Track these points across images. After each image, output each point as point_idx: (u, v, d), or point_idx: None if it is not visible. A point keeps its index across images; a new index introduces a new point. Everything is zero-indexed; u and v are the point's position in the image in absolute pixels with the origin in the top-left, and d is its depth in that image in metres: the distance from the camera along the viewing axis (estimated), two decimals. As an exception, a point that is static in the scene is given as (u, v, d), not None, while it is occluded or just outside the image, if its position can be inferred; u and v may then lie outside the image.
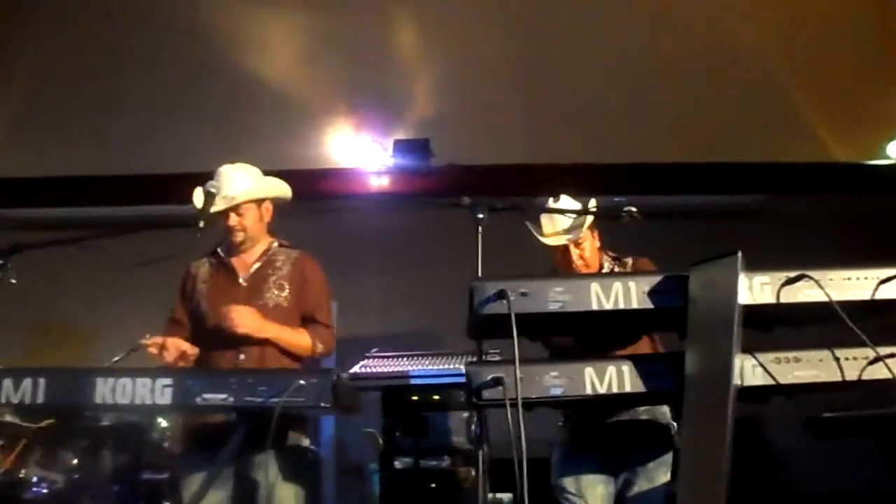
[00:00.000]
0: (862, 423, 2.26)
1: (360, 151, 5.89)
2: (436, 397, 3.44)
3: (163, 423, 3.37)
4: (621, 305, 1.71)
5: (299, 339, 2.59)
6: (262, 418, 1.91)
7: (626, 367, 1.76)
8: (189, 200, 2.61)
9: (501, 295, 1.67)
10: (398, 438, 3.41)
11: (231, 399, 1.88)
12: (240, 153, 2.95)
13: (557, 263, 2.53)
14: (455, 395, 3.43)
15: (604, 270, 2.55)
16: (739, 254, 1.60)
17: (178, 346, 2.41)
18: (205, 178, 2.61)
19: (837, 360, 1.80)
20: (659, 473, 2.27)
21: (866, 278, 1.77)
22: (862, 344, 1.79)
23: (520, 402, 1.62)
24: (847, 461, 4.11)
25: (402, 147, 5.87)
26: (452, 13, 5.82)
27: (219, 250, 2.70)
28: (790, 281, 1.73)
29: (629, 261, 2.58)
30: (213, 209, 2.45)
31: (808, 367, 1.79)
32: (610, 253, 2.64)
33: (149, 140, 5.50)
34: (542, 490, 2.50)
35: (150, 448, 3.36)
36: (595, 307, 1.70)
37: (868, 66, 5.66)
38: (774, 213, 5.83)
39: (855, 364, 1.81)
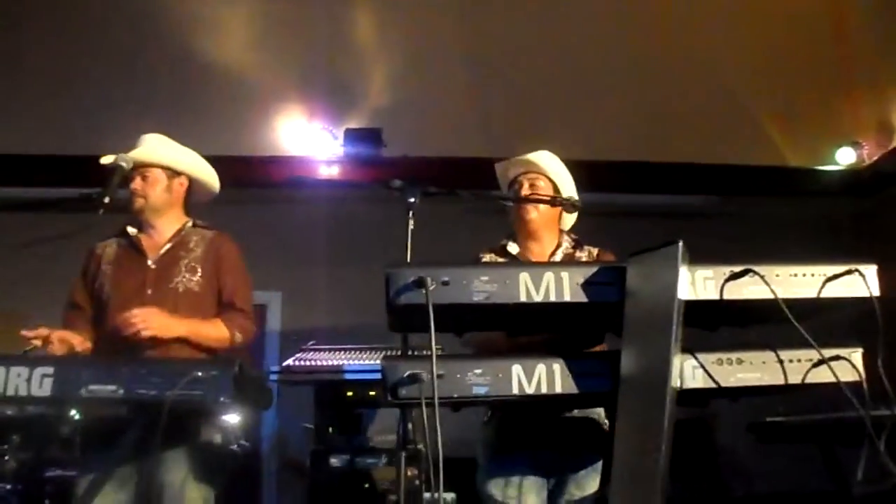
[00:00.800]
0: (804, 428, 2.18)
1: (311, 139, 5.74)
2: (371, 393, 3.31)
3: (75, 415, 3.11)
4: (552, 298, 1.56)
5: (215, 332, 2.39)
6: (165, 413, 1.71)
7: (558, 366, 1.61)
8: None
9: (420, 283, 1.51)
10: (330, 436, 3.26)
11: (121, 391, 1.68)
12: (186, 137, 2.77)
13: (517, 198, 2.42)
14: (389, 390, 3.30)
15: (560, 249, 2.39)
16: (681, 244, 1.46)
17: (64, 339, 2.19)
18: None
19: (781, 362, 1.69)
20: (589, 481, 2.13)
21: (813, 275, 1.67)
22: (806, 345, 1.69)
23: (436, 401, 1.47)
24: (791, 462, 4.09)
25: (353, 136, 5.74)
26: (408, 2, 5.69)
27: (128, 228, 2.50)
28: (735, 276, 1.61)
29: (594, 250, 2.43)
30: (106, 160, 2.26)
31: (752, 369, 1.68)
32: (572, 235, 2.50)
33: (89, 121, 5.25)
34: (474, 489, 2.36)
35: (58, 442, 3.11)
36: (524, 299, 1.55)
37: (820, 74, 5.69)
38: (727, 215, 5.83)
39: (799, 366, 1.70)
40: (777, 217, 5.76)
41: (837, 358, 1.65)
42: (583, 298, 1.58)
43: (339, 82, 5.90)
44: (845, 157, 5.83)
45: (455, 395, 1.57)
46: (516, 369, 1.60)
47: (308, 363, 3.32)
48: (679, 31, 5.57)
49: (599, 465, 2.10)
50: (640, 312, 1.56)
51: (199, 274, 2.43)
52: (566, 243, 2.43)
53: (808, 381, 1.69)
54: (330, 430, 3.25)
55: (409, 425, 3.31)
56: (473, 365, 1.59)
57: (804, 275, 1.66)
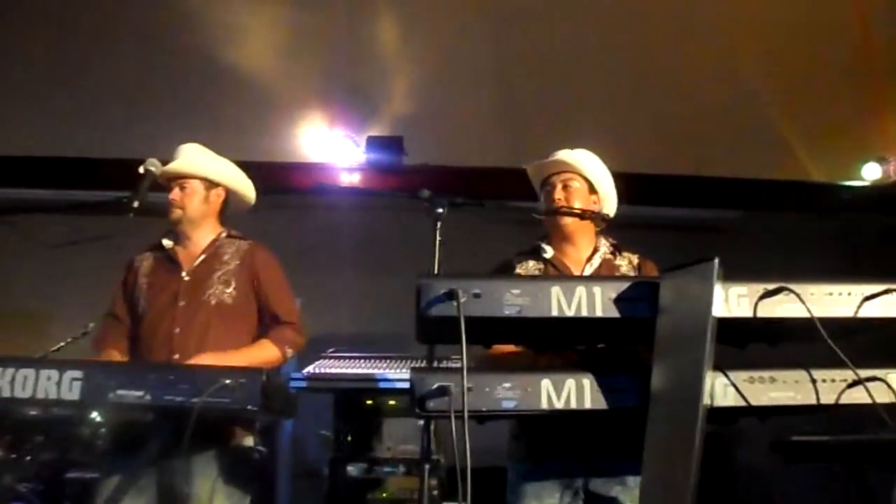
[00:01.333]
0: (830, 448, 2.14)
1: (333, 146, 5.75)
2: (391, 403, 3.30)
3: (96, 417, 3.12)
4: (584, 313, 1.54)
5: (265, 355, 2.36)
6: (187, 418, 1.71)
7: (587, 381, 1.60)
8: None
9: (451, 295, 1.50)
10: (349, 444, 3.26)
11: (148, 397, 1.68)
12: (208, 142, 2.79)
13: (547, 201, 2.35)
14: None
15: (598, 254, 2.33)
16: (716, 261, 1.44)
17: None
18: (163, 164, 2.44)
19: (814, 381, 1.66)
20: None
21: (850, 294, 1.64)
22: (840, 365, 1.66)
23: (466, 415, 1.45)
24: (816, 480, 4.03)
25: (375, 144, 5.75)
26: (432, 11, 5.70)
27: (164, 241, 2.50)
28: (769, 294, 1.59)
29: (633, 257, 2.36)
30: (147, 168, 2.26)
31: (784, 388, 1.65)
32: (611, 240, 2.42)
33: (114, 125, 5.31)
34: (497, 499, 2.32)
35: (80, 444, 3.12)
36: (555, 313, 1.53)
37: (846, 88, 5.65)
38: (749, 230, 5.78)
39: (832, 386, 1.67)
40: (800, 232, 5.70)
41: (873, 379, 1.62)
42: (615, 314, 1.56)
43: (361, 90, 5.92)
44: (871, 173, 5.77)
45: (484, 409, 1.55)
46: (546, 384, 1.58)
47: (329, 371, 3.31)
48: (705, 44, 5.55)
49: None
50: (672, 329, 1.54)
51: (233, 286, 2.41)
52: (604, 248, 2.36)
53: (841, 401, 1.66)
54: (349, 438, 3.23)
55: (429, 434, 3.32)
56: (503, 378, 1.58)
57: (840, 294, 1.63)
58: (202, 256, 2.46)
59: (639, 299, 1.57)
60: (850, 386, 1.66)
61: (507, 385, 1.57)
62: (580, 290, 1.55)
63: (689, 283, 1.51)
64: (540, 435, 2.11)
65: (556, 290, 1.55)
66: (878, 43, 5.56)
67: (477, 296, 1.52)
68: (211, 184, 2.51)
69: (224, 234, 2.53)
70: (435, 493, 3.14)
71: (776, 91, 5.54)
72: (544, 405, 1.58)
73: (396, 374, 3.23)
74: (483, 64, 5.82)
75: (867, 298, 1.64)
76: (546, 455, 2.10)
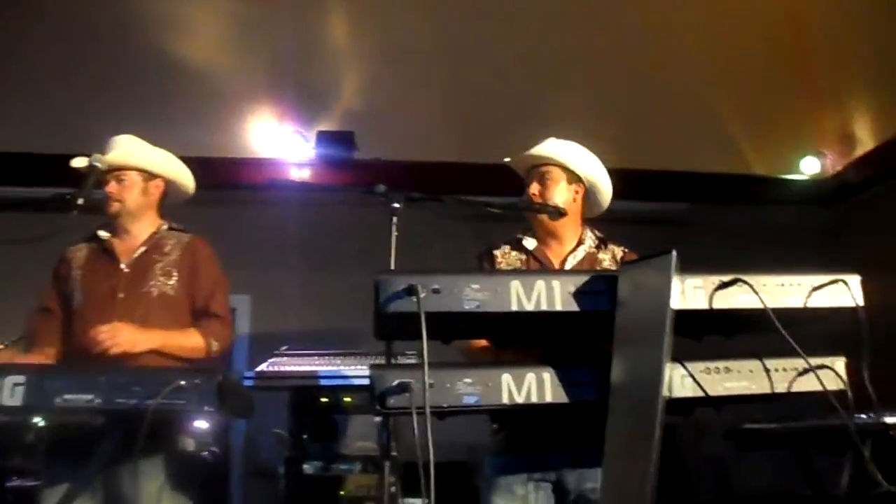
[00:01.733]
0: (780, 435, 2.20)
1: (282, 142, 5.67)
2: (347, 399, 3.27)
3: (39, 422, 2.99)
4: (543, 307, 1.55)
5: (190, 342, 2.34)
6: (140, 422, 1.66)
7: (548, 375, 1.60)
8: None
9: (411, 291, 1.48)
10: (305, 442, 3.22)
11: (98, 400, 1.62)
12: (153, 138, 2.71)
13: (529, 194, 2.34)
14: (368, 398, 3.26)
15: (582, 247, 2.33)
16: (674, 254, 1.46)
17: None
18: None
19: (767, 371, 1.70)
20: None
21: (799, 285, 1.68)
22: (790, 354, 1.70)
23: (428, 411, 1.44)
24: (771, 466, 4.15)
25: (325, 139, 5.69)
26: (383, 5, 5.66)
27: (100, 233, 2.43)
28: (724, 285, 1.62)
29: (618, 250, 2.37)
30: (78, 163, 2.19)
31: (739, 377, 1.69)
32: (597, 232, 2.42)
33: (52, 120, 5.13)
34: (459, 494, 2.31)
35: (21, 451, 2.99)
36: (515, 308, 1.53)
37: (784, 84, 5.81)
38: (696, 222, 5.91)
39: (785, 375, 1.71)
40: (744, 225, 5.85)
41: (822, 367, 1.66)
42: (574, 308, 1.57)
43: (311, 84, 5.84)
44: (810, 167, 5.95)
45: (445, 405, 1.54)
46: (506, 378, 1.58)
47: (282, 368, 3.25)
48: (651, 39, 5.64)
49: None
50: (631, 322, 1.55)
51: (175, 278, 2.38)
52: (589, 241, 2.36)
53: (793, 389, 1.70)
54: (305, 436, 3.19)
55: (388, 436, 3.30)
56: (463, 374, 1.57)
57: (791, 284, 1.67)
58: (142, 248, 2.41)
59: (598, 293, 1.58)
60: (800, 374, 1.71)
61: (467, 380, 1.56)
62: (539, 285, 1.56)
63: (647, 275, 1.53)
64: (516, 429, 2.12)
65: (515, 285, 1.55)
66: (813, 39, 5.75)
67: (436, 291, 1.51)
68: (149, 175, 2.46)
69: (165, 227, 2.49)
70: (393, 489, 3.12)
71: (720, 87, 5.67)
72: (505, 400, 1.58)
73: (352, 370, 3.20)
74: (434, 58, 5.81)
75: (815, 289, 1.68)
76: (520, 448, 2.11)
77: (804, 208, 6.02)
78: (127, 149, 2.41)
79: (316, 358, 3.49)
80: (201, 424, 2.19)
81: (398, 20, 5.73)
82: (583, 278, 1.58)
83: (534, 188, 2.32)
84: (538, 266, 2.28)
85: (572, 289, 1.57)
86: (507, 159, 2.43)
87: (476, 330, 1.77)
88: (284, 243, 5.67)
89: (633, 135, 5.63)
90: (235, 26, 5.58)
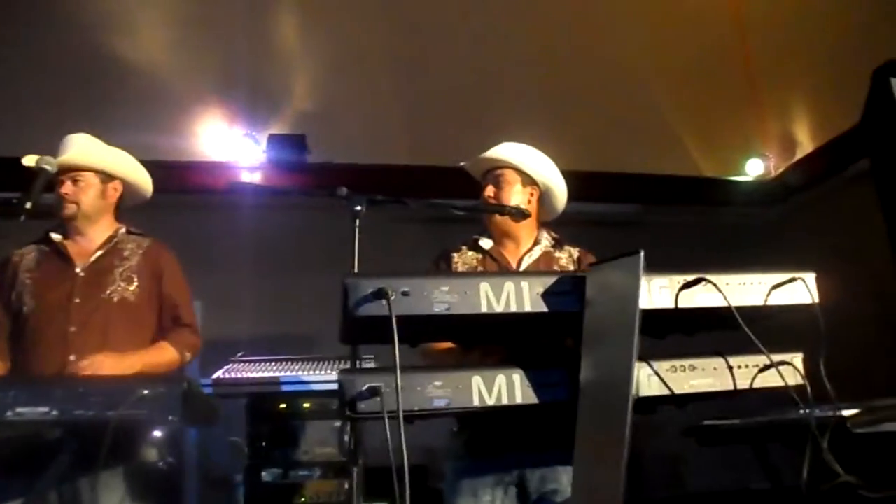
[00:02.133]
0: (738, 431, 2.25)
1: (233, 145, 5.58)
2: (306, 405, 3.23)
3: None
4: (513, 308, 1.55)
5: (166, 357, 2.27)
6: (99, 434, 1.60)
7: (517, 377, 1.60)
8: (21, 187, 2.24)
9: (380, 294, 1.46)
10: (265, 449, 3.16)
11: (55, 412, 1.55)
12: (100, 140, 2.62)
13: (485, 196, 2.35)
14: (327, 403, 3.23)
15: (538, 247, 2.36)
16: (641, 255, 1.48)
17: None
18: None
19: (731, 368, 1.74)
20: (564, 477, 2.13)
21: (760, 283, 1.72)
22: (750, 351, 1.74)
23: (401, 415, 1.43)
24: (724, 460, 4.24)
25: (277, 142, 5.62)
26: (334, 6, 5.63)
27: (52, 234, 2.32)
28: (688, 284, 1.64)
29: (574, 250, 2.40)
30: (28, 161, 2.09)
31: (703, 375, 1.72)
32: (553, 234, 2.45)
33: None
34: (418, 498, 2.29)
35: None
36: (485, 309, 1.53)
37: (729, 87, 5.99)
38: (646, 223, 6.02)
39: (746, 372, 1.75)
40: (693, 225, 5.99)
41: (783, 363, 1.70)
42: (543, 308, 1.57)
43: (261, 87, 5.78)
44: (754, 169, 6.12)
45: (416, 408, 1.53)
46: (476, 381, 1.58)
47: (240, 375, 3.19)
48: (600, 44, 5.75)
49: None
50: (599, 322, 1.56)
51: (136, 284, 2.30)
52: (545, 241, 2.39)
53: (755, 385, 1.74)
54: (263, 443, 3.14)
55: (346, 438, 3.26)
56: (433, 377, 1.56)
57: (752, 283, 1.71)
58: (99, 252, 2.32)
59: (566, 293, 1.59)
60: (761, 370, 1.75)
61: (437, 383, 1.55)
62: (508, 286, 1.56)
63: (614, 276, 1.54)
64: (477, 431, 2.12)
65: (484, 287, 1.55)
66: (755, 43, 5.93)
67: (406, 294, 1.49)
68: (107, 177, 2.38)
69: (122, 230, 2.41)
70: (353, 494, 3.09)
71: (668, 90, 5.80)
72: (476, 402, 1.58)
73: (312, 376, 3.17)
74: (386, 60, 5.80)
75: (775, 287, 1.72)
76: (483, 452, 2.11)
77: (749, 209, 6.19)
78: (84, 148, 2.31)
79: (273, 363, 3.44)
80: (158, 434, 2.14)
81: (350, 23, 5.71)
82: (551, 279, 1.59)
83: (489, 191, 2.35)
84: (495, 265, 2.31)
85: (541, 290, 1.58)
86: (462, 163, 2.44)
87: (445, 332, 1.76)
88: (235, 248, 5.57)
89: (584, 138, 5.71)
90: (182, 26, 5.48)
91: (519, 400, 1.59)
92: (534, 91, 5.83)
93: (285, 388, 3.14)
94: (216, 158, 5.62)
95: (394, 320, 1.41)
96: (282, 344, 4.13)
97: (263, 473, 3.12)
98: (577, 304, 1.59)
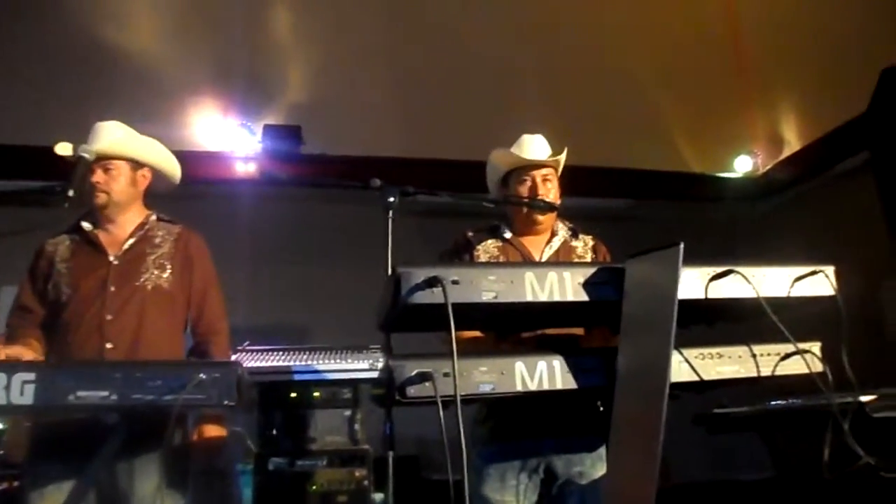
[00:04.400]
0: (748, 418, 2.34)
1: (228, 135, 5.58)
2: (316, 394, 3.27)
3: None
4: (556, 297, 1.61)
5: None
6: (148, 418, 1.63)
7: (557, 363, 1.67)
8: (32, 176, 2.26)
9: (431, 283, 1.52)
10: (276, 438, 3.20)
11: (114, 396, 1.57)
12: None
13: (524, 191, 2.42)
14: (338, 392, 3.27)
15: (556, 238, 2.44)
16: (681, 246, 1.55)
17: (14, 358, 1.98)
18: (49, 153, 2.26)
19: (755, 355, 1.82)
20: (590, 464, 2.21)
21: (783, 276, 1.80)
22: (770, 340, 1.83)
23: (458, 398, 1.49)
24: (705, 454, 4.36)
25: (272, 133, 5.62)
26: (327, -2, 5.66)
27: (83, 224, 2.33)
28: (718, 276, 1.72)
29: (588, 239, 2.50)
30: (62, 150, 2.10)
31: (730, 362, 1.80)
32: (568, 223, 2.54)
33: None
34: (411, 488, 2.35)
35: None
36: (529, 298, 1.59)
37: (719, 86, 6.11)
38: (639, 218, 6.12)
39: (769, 360, 1.83)
40: (682, 220, 6.10)
41: (805, 351, 1.79)
42: (584, 297, 1.64)
43: (256, 77, 5.78)
44: (743, 166, 6.26)
45: (464, 393, 1.59)
46: (519, 366, 1.64)
47: (250, 364, 3.22)
48: (594, 42, 5.83)
49: (602, 449, 2.18)
50: (637, 311, 1.63)
51: (169, 271, 2.31)
52: (562, 231, 2.47)
53: (777, 372, 1.82)
54: (274, 432, 3.17)
55: (357, 426, 3.31)
56: (479, 363, 1.62)
57: (775, 275, 1.79)
58: (131, 240, 2.33)
59: (605, 283, 1.66)
60: (783, 358, 1.83)
61: (483, 369, 1.62)
62: (552, 276, 1.62)
63: (653, 267, 1.61)
64: (503, 417, 2.18)
65: (529, 276, 1.61)
66: (744, 43, 6.05)
67: (455, 282, 1.55)
68: (137, 164, 2.38)
69: (153, 217, 2.42)
70: (366, 483, 3.15)
71: (660, 89, 5.90)
72: (519, 387, 1.64)
73: (324, 365, 3.20)
74: (381, 52, 5.82)
75: (797, 279, 1.81)
76: (509, 437, 2.18)
77: (737, 204, 6.32)
78: (117, 137, 2.31)
79: (280, 353, 3.47)
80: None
81: (346, 13, 5.73)
82: (591, 269, 1.66)
83: (542, 189, 2.44)
84: (517, 254, 2.38)
85: (581, 279, 1.64)
86: (498, 152, 2.47)
87: (488, 320, 1.82)
88: (230, 238, 5.55)
89: (578, 133, 5.78)
90: (179, 15, 5.46)
91: (559, 385, 1.66)
92: (527, 85, 5.90)
93: (299, 377, 3.18)
94: (210, 148, 5.60)
95: (450, 308, 1.46)
96: (276, 334, 4.15)
97: (275, 461, 3.15)
98: (615, 293, 1.66)
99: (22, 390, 1.55)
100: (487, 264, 2.14)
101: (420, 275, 1.53)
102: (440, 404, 1.50)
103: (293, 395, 3.24)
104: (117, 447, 1.82)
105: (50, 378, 1.57)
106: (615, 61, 5.87)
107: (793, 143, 6.04)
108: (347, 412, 3.25)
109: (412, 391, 1.56)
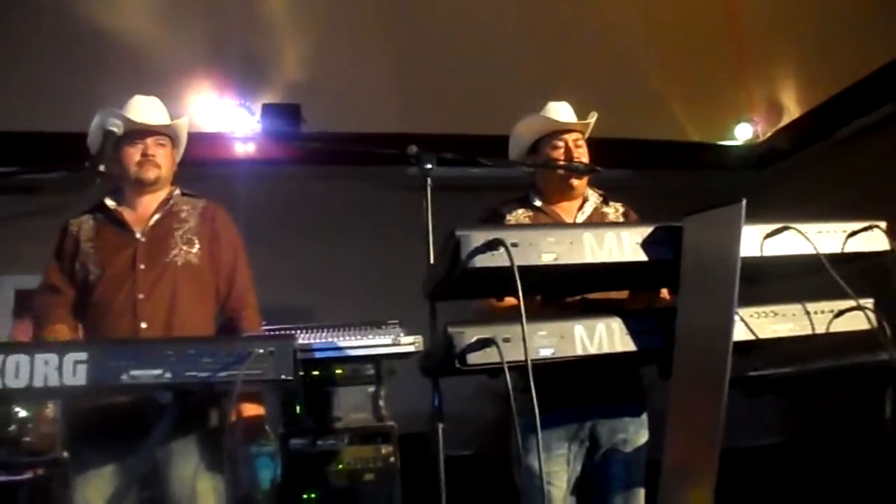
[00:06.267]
0: (785, 380, 2.33)
1: (225, 115, 5.48)
2: (338, 371, 3.24)
3: (20, 412, 2.79)
4: (615, 258, 1.58)
5: None
6: (196, 397, 1.59)
7: (616, 325, 1.64)
8: (14, 161, 2.19)
9: (492, 245, 1.48)
10: (298, 416, 3.17)
11: (168, 375, 1.51)
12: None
13: (558, 156, 2.38)
14: (360, 368, 3.24)
15: (588, 203, 2.43)
16: (744, 203, 1.52)
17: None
18: (41, 137, 2.20)
19: (808, 313, 1.80)
20: (640, 436, 2.20)
21: (836, 232, 1.78)
22: (825, 297, 1.81)
23: (529, 363, 1.46)
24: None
25: (271, 112, 5.54)
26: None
27: (107, 201, 2.27)
28: (773, 233, 1.70)
29: (620, 206, 2.49)
30: (109, 129, 2.01)
31: (784, 320, 1.78)
32: (599, 190, 2.52)
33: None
34: (421, 465, 2.32)
35: (3, 445, 2.78)
36: (589, 259, 1.56)
37: (717, 53, 6.06)
38: (641, 188, 6.09)
39: (823, 317, 1.82)
40: (685, 189, 6.08)
41: (861, 307, 1.77)
42: (642, 257, 1.61)
43: (253, 56, 5.68)
44: (742, 134, 6.24)
45: (523, 359, 1.56)
46: (579, 330, 1.61)
47: (271, 344, 3.18)
48: (590, 11, 5.77)
49: (644, 416, 2.16)
50: (696, 270, 1.61)
51: (198, 246, 2.26)
52: (593, 198, 2.46)
53: (831, 329, 1.81)
54: (298, 411, 3.14)
55: (381, 402, 3.27)
56: (538, 328, 1.59)
57: (829, 231, 1.77)
58: (156, 216, 2.27)
59: (662, 242, 1.63)
60: (836, 316, 1.82)
61: (542, 333, 1.59)
62: (610, 236, 1.59)
63: (714, 225, 1.58)
64: (548, 385, 2.15)
65: (588, 237, 1.58)
66: (742, 8, 6.01)
67: (515, 245, 1.51)
68: (175, 141, 2.36)
69: (177, 192, 2.36)
70: (392, 460, 3.12)
71: (658, 56, 5.86)
72: (579, 350, 1.61)
73: (346, 342, 3.17)
74: (378, 28, 5.74)
75: (851, 235, 1.79)
76: (553, 406, 2.14)
77: (737, 173, 6.31)
78: (164, 112, 2.29)
79: (298, 331, 3.43)
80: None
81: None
82: (648, 229, 1.63)
83: (577, 153, 2.42)
84: (550, 221, 2.35)
85: (639, 239, 1.62)
86: (528, 118, 2.43)
87: (541, 283, 1.77)
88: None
89: (577, 105, 5.75)
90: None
91: (619, 348, 1.64)
92: (525, 58, 5.84)
93: (319, 354, 3.14)
94: (206, 129, 5.51)
95: (515, 269, 1.43)
96: (280, 315, 4.12)
97: (299, 441, 3.12)
98: (672, 252, 1.63)
99: (74, 371, 1.49)
100: (545, 226, 2.10)
101: (480, 237, 1.49)
102: (506, 370, 1.47)
103: (315, 373, 3.20)
104: (170, 427, 1.77)
105: (102, 357, 1.51)
106: (612, 33, 5.82)
107: (792, 109, 6.03)
108: (371, 388, 3.22)
109: (473, 358, 1.53)
